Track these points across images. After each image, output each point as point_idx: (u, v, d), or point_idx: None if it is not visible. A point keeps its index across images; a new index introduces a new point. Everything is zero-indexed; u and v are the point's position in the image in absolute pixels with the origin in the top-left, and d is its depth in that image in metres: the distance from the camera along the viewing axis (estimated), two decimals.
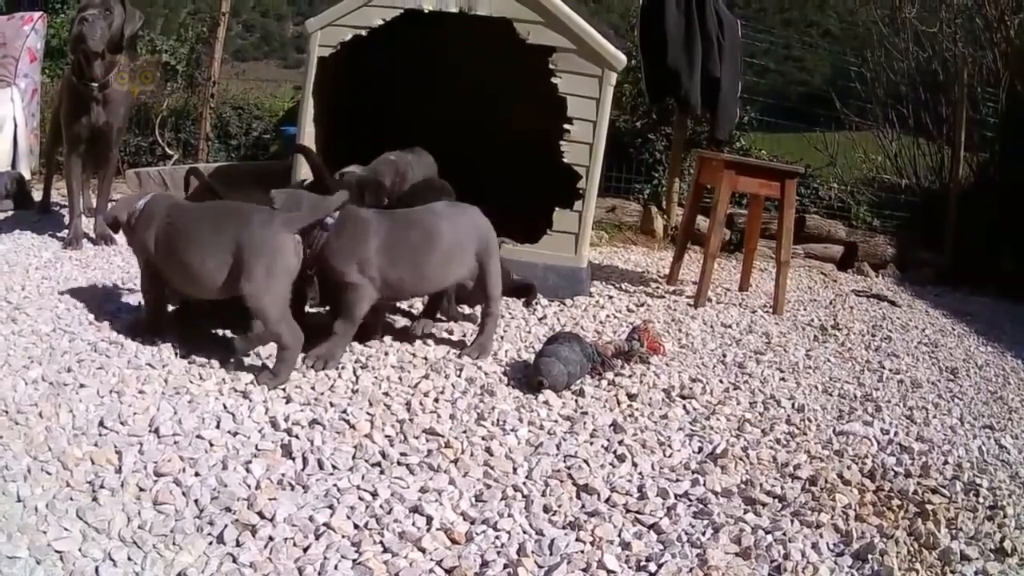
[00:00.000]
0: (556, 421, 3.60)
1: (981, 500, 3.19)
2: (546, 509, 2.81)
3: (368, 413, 3.41)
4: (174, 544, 2.39)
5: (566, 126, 5.67)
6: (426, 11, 5.70)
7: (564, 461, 3.20)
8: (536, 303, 5.49)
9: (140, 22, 6.27)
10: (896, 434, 3.87)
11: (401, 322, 4.79)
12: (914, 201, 10.51)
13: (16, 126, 7.55)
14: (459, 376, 3.98)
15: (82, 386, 3.34)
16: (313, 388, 3.61)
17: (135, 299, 4.62)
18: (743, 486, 3.13)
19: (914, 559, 2.71)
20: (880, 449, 3.67)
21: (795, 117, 11.31)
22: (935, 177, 10.92)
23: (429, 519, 2.65)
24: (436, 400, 3.66)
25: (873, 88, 11.69)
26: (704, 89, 8.19)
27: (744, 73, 9.52)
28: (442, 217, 4.22)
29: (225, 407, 3.32)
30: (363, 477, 2.89)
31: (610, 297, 6.08)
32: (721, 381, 4.41)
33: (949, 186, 10.23)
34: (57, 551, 2.30)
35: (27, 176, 7.53)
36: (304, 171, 5.77)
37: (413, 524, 2.62)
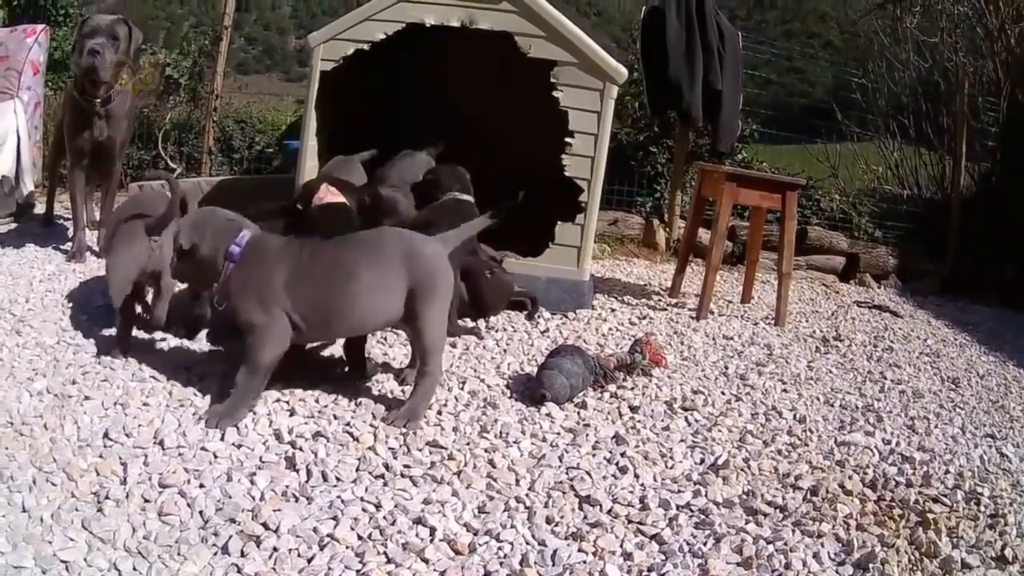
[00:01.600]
0: (558, 433, 3.61)
1: (982, 508, 3.20)
2: (548, 520, 2.83)
3: (371, 426, 3.42)
4: (179, 554, 2.41)
5: (567, 139, 5.69)
6: (428, 25, 5.72)
7: (566, 473, 3.22)
8: (539, 316, 5.50)
9: (140, 39, 6.31)
10: (897, 444, 3.88)
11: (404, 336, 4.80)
12: (916, 211, 10.52)
13: (19, 139, 7.57)
14: (462, 389, 4.00)
15: (87, 398, 3.37)
16: (317, 401, 3.62)
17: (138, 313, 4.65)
18: (745, 497, 3.14)
19: (915, 568, 2.72)
20: (881, 459, 3.68)
21: (797, 129, 11.33)
22: (937, 187, 10.93)
23: (432, 530, 2.67)
24: (439, 413, 3.68)
25: (874, 99, 11.71)
26: (705, 101, 8.21)
27: (745, 85, 9.53)
28: (362, 249, 3.58)
29: None
30: (367, 489, 2.91)
31: (612, 310, 6.09)
32: (723, 393, 4.42)
33: (951, 196, 10.24)
34: (63, 561, 2.32)
35: (30, 188, 7.55)
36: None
37: (416, 535, 2.64)
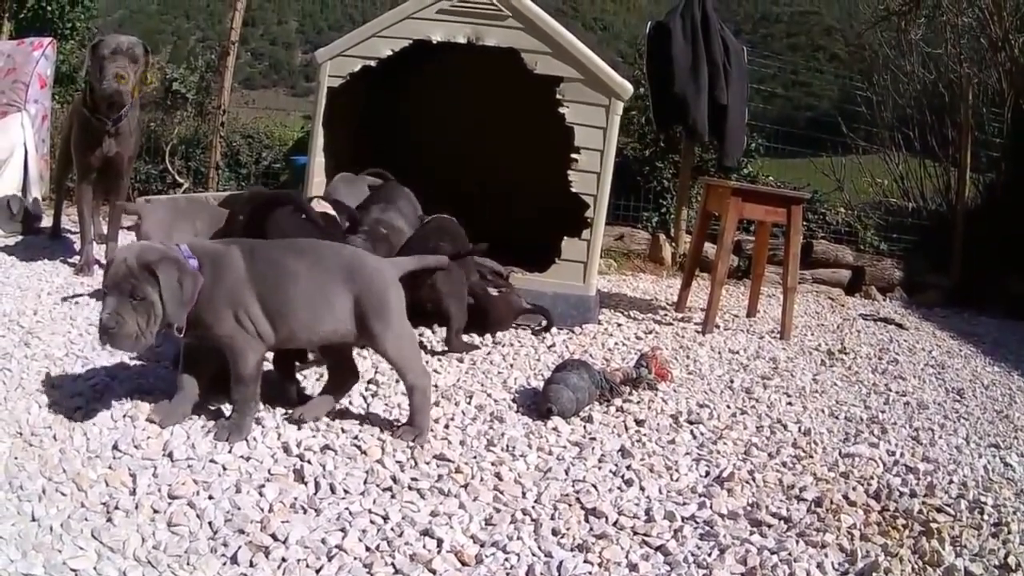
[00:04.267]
0: (565, 447, 3.62)
1: (986, 517, 3.20)
2: (555, 532, 2.84)
3: (379, 439, 3.44)
4: (188, 564, 2.42)
5: (574, 155, 5.72)
6: (435, 42, 5.75)
7: (573, 485, 3.23)
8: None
9: (152, 62, 6.38)
10: (902, 455, 3.89)
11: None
12: (921, 224, 10.53)
13: (26, 152, 7.63)
14: (469, 403, 4.01)
15: (96, 410, 3.38)
16: (325, 415, 3.64)
17: None
18: (749, 508, 3.15)
19: None
20: (886, 470, 3.68)
21: (802, 142, 11.35)
22: (942, 199, 10.94)
23: (440, 541, 2.68)
24: (446, 426, 3.69)
25: (879, 111, 11.73)
26: (711, 116, 8.25)
27: (751, 99, 9.57)
28: (303, 255, 3.47)
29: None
30: (374, 501, 2.92)
31: (619, 325, 6.11)
32: (728, 406, 4.43)
33: (955, 207, 10.25)
34: (73, 569, 2.34)
35: (37, 197, 7.60)
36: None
37: (424, 546, 2.65)
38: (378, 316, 3.45)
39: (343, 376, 3.75)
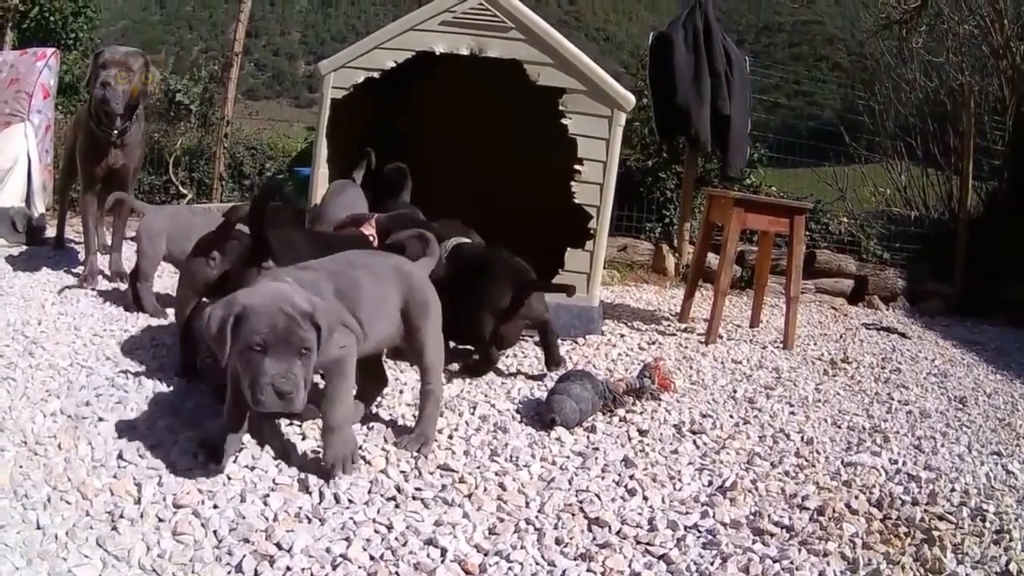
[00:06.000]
0: (568, 457, 3.62)
1: (988, 525, 3.20)
2: (558, 541, 2.84)
3: (383, 449, 3.45)
4: (193, 573, 2.44)
5: (576, 167, 5.73)
6: (438, 53, 5.77)
7: (576, 495, 3.23)
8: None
9: (157, 76, 6.37)
10: (904, 463, 3.89)
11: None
12: (923, 232, 10.52)
13: (30, 162, 7.65)
14: (473, 414, 4.02)
15: (100, 419, 3.40)
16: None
17: (150, 336, 4.70)
18: (752, 517, 3.15)
19: None
20: (888, 479, 3.68)
21: (805, 152, 11.35)
22: (944, 207, 10.94)
23: (443, 551, 2.69)
24: (450, 437, 3.70)
25: (882, 120, 11.74)
26: (714, 126, 8.27)
27: (754, 109, 9.57)
28: (361, 267, 3.50)
29: (242, 441, 3.36)
30: (379, 511, 2.93)
31: (622, 335, 6.12)
32: (731, 416, 4.43)
33: (958, 216, 10.25)
34: None
35: (41, 210, 7.62)
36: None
37: (428, 556, 2.66)
38: (422, 315, 3.58)
39: (375, 382, 3.86)
